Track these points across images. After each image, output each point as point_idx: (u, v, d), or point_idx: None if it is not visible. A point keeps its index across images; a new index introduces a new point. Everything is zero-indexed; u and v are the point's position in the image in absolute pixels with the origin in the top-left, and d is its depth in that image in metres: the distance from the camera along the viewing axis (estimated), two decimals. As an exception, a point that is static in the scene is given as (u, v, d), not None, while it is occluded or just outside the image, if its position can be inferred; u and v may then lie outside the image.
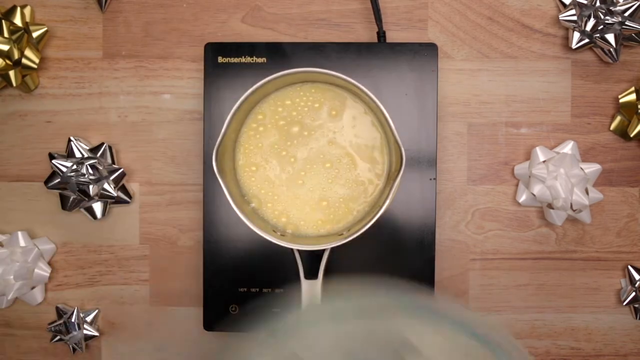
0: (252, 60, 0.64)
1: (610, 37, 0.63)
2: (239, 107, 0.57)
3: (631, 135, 0.66)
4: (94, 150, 0.66)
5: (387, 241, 0.63)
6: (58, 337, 0.68)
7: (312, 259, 0.57)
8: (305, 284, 0.57)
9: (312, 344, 0.42)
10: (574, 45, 0.64)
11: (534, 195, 0.64)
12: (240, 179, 0.62)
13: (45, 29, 0.66)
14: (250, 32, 0.68)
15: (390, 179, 0.60)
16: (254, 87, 0.56)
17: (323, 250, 0.57)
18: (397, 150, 0.57)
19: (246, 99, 0.57)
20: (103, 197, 0.66)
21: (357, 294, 0.46)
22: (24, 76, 0.66)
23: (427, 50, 0.63)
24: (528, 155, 0.67)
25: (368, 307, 0.45)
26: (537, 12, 0.67)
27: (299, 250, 0.57)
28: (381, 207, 0.55)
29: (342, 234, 0.59)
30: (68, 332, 0.67)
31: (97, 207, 0.67)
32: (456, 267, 0.68)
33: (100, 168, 0.65)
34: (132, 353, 0.69)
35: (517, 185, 0.67)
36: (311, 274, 0.57)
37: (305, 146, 0.62)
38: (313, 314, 0.50)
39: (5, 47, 0.63)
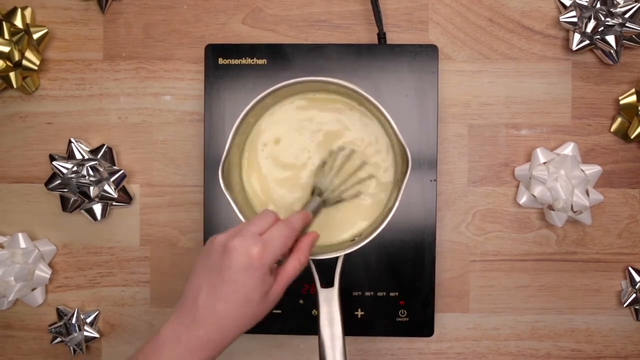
0: (253, 61, 0.64)
1: (610, 38, 0.63)
2: (240, 124, 0.56)
3: (631, 137, 0.66)
4: (94, 151, 0.66)
5: (389, 243, 0.63)
6: (58, 339, 0.68)
7: (326, 267, 0.56)
8: (322, 292, 0.55)
9: None
10: (574, 47, 0.64)
11: (535, 196, 0.64)
12: (249, 192, 0.61)
13: (46, 30, 0.66)
14: (251, 34, 0.68)
15: (396, 181, 0.60)
16: (253, 101, 0.56)
17: (337, 258, 0.57)
18: (402, 153, 0.56)
19: (246, 115, 0.56)
20: (103, 198, 0.66)
21: None
22: (24, 78, 0.66)
23: (428, 52, 0.63)
24: (528, 157, 0.67)
25: None
26: (538, 13, 0.67)
27: (312, 260, 0.57)
28: (392, 209, 0.55)
29: (354, 240, 0.59)
30: (68, 333, 0.67)
31: (98, 208, 0.67)
32: (457, 269, 0.67)
33: (101, 169, 0.65)
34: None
35: (517, 186, 0.67)
36: (327, 282, 0.56)
37: (311, 156, 0.61)
38: None
39: (6, 49, 0.63)
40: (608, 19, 0.63)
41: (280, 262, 0.50)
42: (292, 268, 0.50)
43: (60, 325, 0.67)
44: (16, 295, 0.66)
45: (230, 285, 0.46)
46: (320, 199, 0.57)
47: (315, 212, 0.56)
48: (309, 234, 0.53)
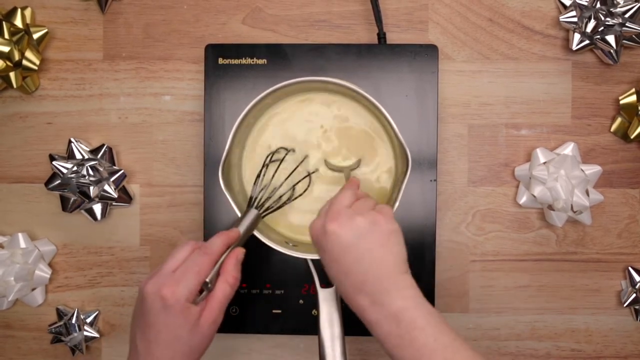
0: (253, 61, 0.64)
1: (610, 38, 0.63)
2: (240, 123, 0.56)
3: (631, 137, 0.66)
4: (94, 151, 0.66)
5: (388, 243, 0.63)
6: (58, 339, 0.68)
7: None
8: (322, 292, 0.56)
9: None
10: (574, 47, 0.64)
11: (535, 196, 0.64)
12: (248, 192, 0.61)
13: (46, 30, 0.66)
14: (251, 34, 0.68)
15: (396, 181, 0.60)
16: (253, 101, 0.56)
17: None
18: (402, 153, 0.57)
19: (246, 115, 0.56)
20: (103, 198, 0.66)
21: None
22: (24, 78, 0.66)
23: (428, 52, 0.63)
24: (528, 157, 0.67)
25: None
26: (538, 13, 0.67)
27: (312, 260, 0.56)
28: (392, 209, 0.55)
29: None
30: (68, 333, 0.67)
31: (98, 208, 0.67)
32: (456, 269, 0.67)
33: (101, 169, 0.65)
34: (132, 354, 0.69)
35: (517, 186, 0.67)
36: (327, 282, 0.56)
37: (310, 156, 0.61)
38: None
39: (6, 49, 0.63)
40: (608, 19, 0.63)
41: (209, 287, 0.51)
42: (221, 292, 0.51)
43: (60, 325, 0.67)
44: (16, 295, 0.66)
45: (154, 328, 0.48)
46: (256, 212, 0.56)
47: (252, 226, 0.56)
48: (232, 252, 0.53)
